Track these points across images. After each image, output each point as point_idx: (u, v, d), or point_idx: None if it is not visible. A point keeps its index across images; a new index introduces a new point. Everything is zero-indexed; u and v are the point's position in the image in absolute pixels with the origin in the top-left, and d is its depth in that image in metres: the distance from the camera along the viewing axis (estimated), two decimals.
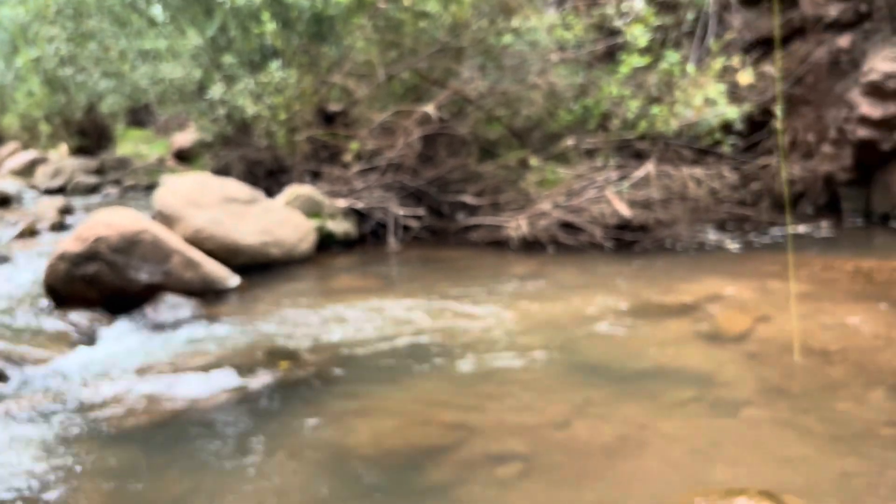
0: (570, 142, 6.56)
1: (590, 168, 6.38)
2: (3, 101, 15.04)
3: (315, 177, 7.95)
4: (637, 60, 5.97)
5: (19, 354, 4.07)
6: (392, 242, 6.82)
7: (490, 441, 2.90)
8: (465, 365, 3.72)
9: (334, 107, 8.05)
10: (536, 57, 6.67)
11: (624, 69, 6.05)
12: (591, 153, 6.62)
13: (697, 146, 6.15)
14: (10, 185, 12.05)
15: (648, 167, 5.94)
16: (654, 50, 6.31)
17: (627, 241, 6.08)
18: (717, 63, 5.78)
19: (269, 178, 9.07)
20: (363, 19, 6.80)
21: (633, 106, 6.06)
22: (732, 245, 6.03)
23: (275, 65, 7.59)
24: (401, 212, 6.92)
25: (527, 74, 6.77)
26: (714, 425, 2.93)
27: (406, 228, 6.96)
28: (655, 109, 5.92)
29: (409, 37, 6.86)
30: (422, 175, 7.25)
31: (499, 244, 6.54)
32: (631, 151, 6.51)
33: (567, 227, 6.26)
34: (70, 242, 5.05)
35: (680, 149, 6.12)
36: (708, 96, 5.80)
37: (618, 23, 6.49)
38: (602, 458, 2.71)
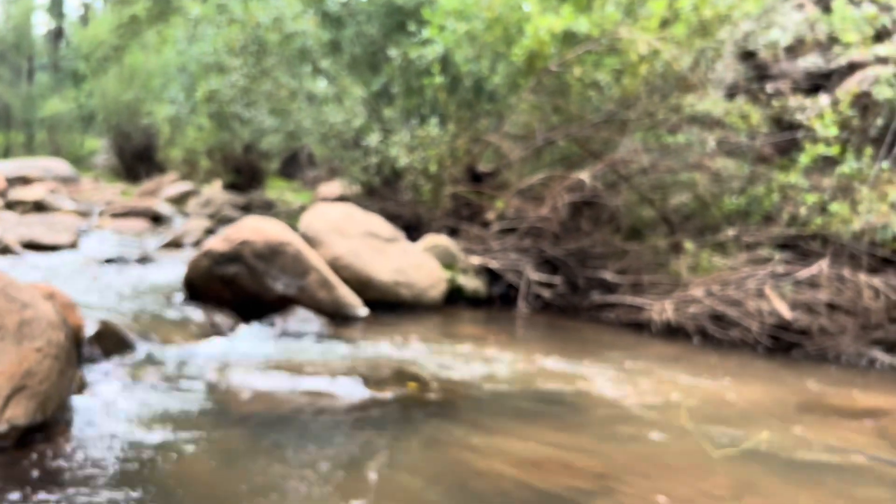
0: (731, 232, 6.14)
1: (749, 260, 5.91)
2: (174, 135, 16.22)
3: (452, 233, 7.86)
4: (822, 150, 5.52)
5: (149, 332, 4.05)
6: (522, 306, 6.53)
7: (642, 494, 2.50)
8: (599, 425, 3.34)
9: (484, 167, 8.01)
10: (703, 140, 6.37)
11: (805, 159, 5.62)
12: (750, 247, 6.15)
13: (877, 253, 5.55)
14: (164, 208, 12.81)
15: (822, 266, 5.40)
16: (835, 148, 5.85)
17: (785, 343, 5.50)
18: None
19: (405, 232, 9.11)
20: (530, 81, 6.77)
21: (809, 200, 5.58)
22: None
23: (433, 121, 7.68)
24: (535, 276, 6.65)
25: (690, 156, 6.47)
26: None
27: (537, 296, 6.66)
28: (835, 206, 5.42)
29: (574, 104, 6.76)
30: (562, 244, 6.98)
31: (636, 326, 6.11)
32: (797, 250, 5.99)
33: (717, 319, 5.76)
34: (216, 242, 5.11)
35: (858, 254, 5.55)
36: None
37: (800, 116, 6.10)
38: None
